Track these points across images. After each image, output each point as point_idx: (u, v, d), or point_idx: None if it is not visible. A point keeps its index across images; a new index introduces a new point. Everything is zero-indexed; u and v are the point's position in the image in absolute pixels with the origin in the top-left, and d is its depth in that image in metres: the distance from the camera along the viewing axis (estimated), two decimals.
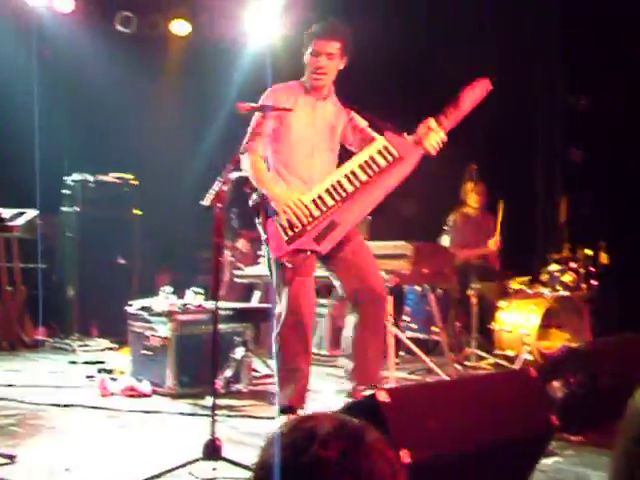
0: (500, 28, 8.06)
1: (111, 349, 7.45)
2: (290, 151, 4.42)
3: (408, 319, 7.65)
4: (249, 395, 5.54)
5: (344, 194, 4.27)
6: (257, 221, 4.40)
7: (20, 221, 5.52)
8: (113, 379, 5.54)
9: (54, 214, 8.03)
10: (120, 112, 8.56)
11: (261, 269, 6.42)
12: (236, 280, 6.83)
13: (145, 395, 5.36)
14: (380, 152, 4.34)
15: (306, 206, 4.20)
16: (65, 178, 8.10)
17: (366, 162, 4.33)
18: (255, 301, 6.45)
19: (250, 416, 4.88)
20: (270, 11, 8.92)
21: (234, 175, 7.09)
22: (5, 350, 7.31)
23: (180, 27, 9.29)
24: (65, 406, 4.92)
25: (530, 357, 6.37)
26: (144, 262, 8.46)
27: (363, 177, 4.29)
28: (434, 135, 4.28)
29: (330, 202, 4.24)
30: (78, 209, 7.98)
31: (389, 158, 4.33)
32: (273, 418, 4.44)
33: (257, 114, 4.32)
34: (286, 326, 4.27)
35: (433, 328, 7.24)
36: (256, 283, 6.84)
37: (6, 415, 4.63)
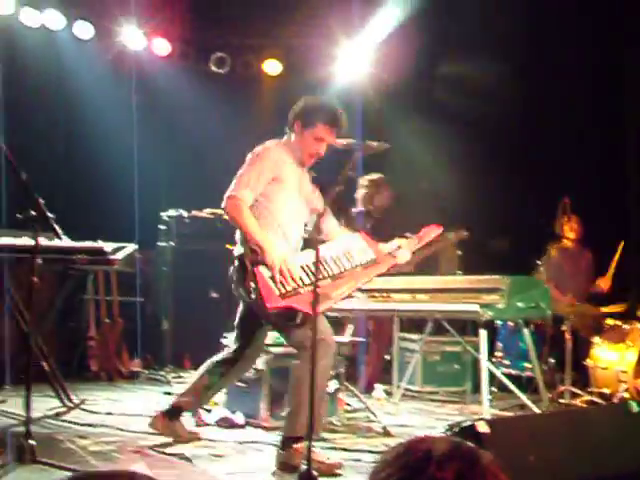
0: None
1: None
2: (278, 208, 4.46)
3: (500, 355, 7.54)
4: (341, 428, 5.54)
5: (331, 273, 4.38)
6: (238, 270, 4.39)
7: (120, 255, 5.68)
8: (207, 410, 5.62)
9: (151, 249, 8.27)
10: (214, 149, 8.78)
11: (353, 303, 6.45)
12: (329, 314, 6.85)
13: (239, 426, 5.43)
14: (359, 248, 4.57)
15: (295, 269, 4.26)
16: (162, 214, 8.34)
17: (344, 254, 4.49)
18: (347, 335, 6.47)
19: (343, 448, 4.89)
20: (361, 51, 9.07)
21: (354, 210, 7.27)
22: (103, 381, 7.53)
23: (272, 67, 9.54)
24: (163, 434, 5.02)
25: (627, 395, 6.19)
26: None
27: (347, 265, 4.46)
28: (404, 253, 4.63)
29: (320, 275, 4.22)
30: (173, 244, 8.19)
31: (367, 257, 4.55)
32: (369, 451, 4.46)
33: (257, 160, 4.41)
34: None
35: (526, 364, 7.12)
36: (348, 317, 6.85)
37: (107, 442, 4.77)
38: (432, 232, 4.91)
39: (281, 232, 4.46)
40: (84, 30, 8.57)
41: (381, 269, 4.56)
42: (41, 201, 3.83)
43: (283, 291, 4.14)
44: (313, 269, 4.16)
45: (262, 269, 4.17)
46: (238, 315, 4.74)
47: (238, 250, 4.42)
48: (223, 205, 4.38)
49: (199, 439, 4.93)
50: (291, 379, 4.41)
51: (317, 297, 3.71)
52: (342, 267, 4.42)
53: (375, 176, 7.49)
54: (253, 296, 4.15)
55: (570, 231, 7.52)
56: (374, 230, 7.30)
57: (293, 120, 4.54)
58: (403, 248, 4.64)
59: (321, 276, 4.23)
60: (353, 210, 7.44)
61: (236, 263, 4.42)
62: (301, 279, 4.22)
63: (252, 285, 4.14)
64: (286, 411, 4.44)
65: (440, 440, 1.36)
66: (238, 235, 4.47)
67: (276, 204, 4.45)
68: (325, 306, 4.21)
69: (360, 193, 7.50)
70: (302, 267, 4.27)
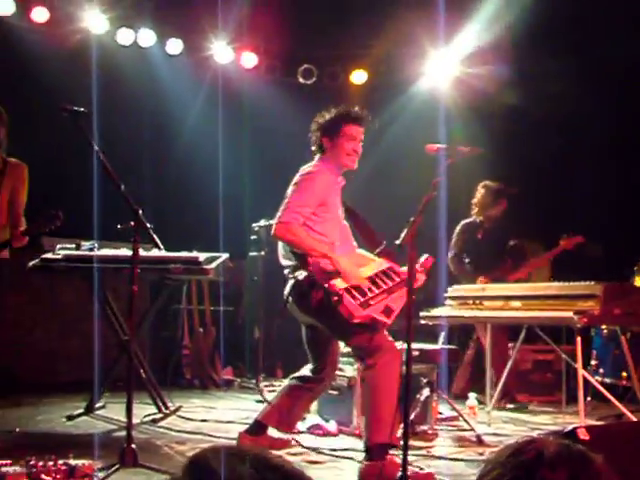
0: None
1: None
2: (327, 230, 4.46)
3: (595, 363, 7.38)
4: (434, 436, 5.51)
5: (386, 286, 4.39)
6: (302, 293, 4.40)
7: (214, 264, 5.80)
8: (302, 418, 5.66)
9: (243, 259, 8.40)
10: (300, 159, 8.87)
11: (447, 310, 6.41)
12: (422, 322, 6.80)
13: (331, 434, 5.45)
14: (386, 272, 4.51)
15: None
16: (253, 225, 8.47)
17: (384, 272, 4.51)
18: (440, 342, 6.43)
19: (436, 456, 4.86)
20: (446, 60, 9.07)
21: (464, 222, 7.26)
22: (197, 388, 7.69)
23: (359, 77, 9.60)
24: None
25: None
26: None
27: (396, 278, 4.47)
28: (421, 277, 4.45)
29: (383, 286, 4.35)
30: (263, 253, 8.30)
31: (397, 279, 4.49)
32: (463, 460, 4.42)
33: (309, 183, 4.44)
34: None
35: (622, 373, 6.94)
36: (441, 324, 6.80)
37: (201, 448, 4.85)
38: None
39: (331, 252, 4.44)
40: (174, 46, 8.79)
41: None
42: (140, 212, 3.94)
43: (362, 300, 4.17)
44: (378, 280, 4.30)
45: (335, 282, 4.18)
46: (304, 339, 4.76)
47: (302, 274, 4.39)
48: (273, 232, 4.40)
49: (291, 445, 4.95)
50: (365, 388, 4.34)
51: (411, 303, 3.68)
52: (395, 280, 4.44)
53: (495, 184, 7.44)
54: (336, 311, 4.14)
55: None
56: (484, 240, 7.29)
57: (320, 140, 4.62)
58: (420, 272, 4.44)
59: (384, 286, 4.34)
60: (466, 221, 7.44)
61: (297, 286, 4.44)
62: (370, 289, 4.26)
63: (335, 299, 4.13)
64: (364, 421, 4.33)
65: (551, 442, 1.36)
66: (289, 261, 4.50)
67: (324, 228, 4.45)
68: (393, 315, 4.25)
69: (476, 199, 7.46)
70: (369, 277, 4.35)
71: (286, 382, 4.89)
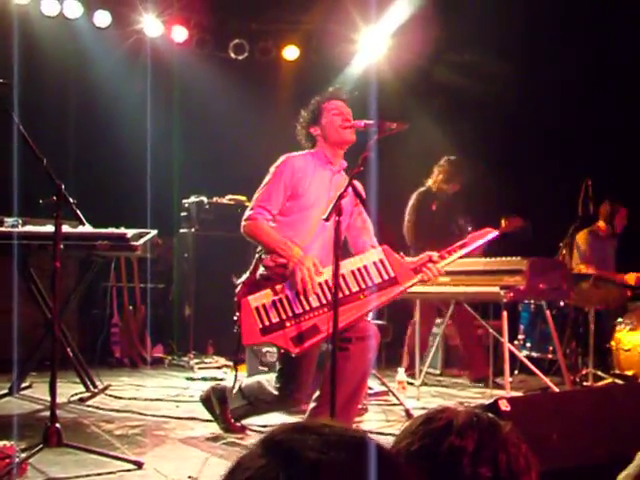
0: None
1: (227, 366, 7.60)
2: (296, 222, 4.28)
3: (522, 337, 7.53)
4: (364, 411, 5.55)
5: (332, 298, 3.86)
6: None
7: (141, 241, 5.72)
8: None
9: (171, 236, 8.31)
10: (231, 135, 8.80)
11: None
12: None
13: None
14: (375, 265, 4.12)
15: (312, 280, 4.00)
16: (183, 201, 8.38)
17: (359, 270, 4.09)
18: (370, 318, 6.46)
19: (364, 431, 4.90)
20: (379, 35, 9.07)
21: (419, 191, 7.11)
22: (127, 367, 7.60)
23: (290, 52, 9.53)
24: (186, 419, 5.07)
25: None
26: None
27: (354, 287, 4.05)
28: (433, 268, 4.15)
29: (315, 303, 3.99)
30: (194, 230, 8.23)
31: (384, 276, 4.11)
32: (392, 434, 4.44)
33: (274, 176, 4.28)
34: None
35: (549, 347, 7.10)
36: None
37: (131, 426, 4.82)
38: (485, 237, 4.43)
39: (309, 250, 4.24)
40: (102, 18, 8.58)
41: (401, 288, 4.13)
42: (63, 186, 3.84)
43: (267, 324, 3.94)
44: (325, 288, 4.00)
45: (251, 299, 3.99)
46: None
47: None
48: (242, 231, 4.26)
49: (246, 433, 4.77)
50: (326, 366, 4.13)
51: (338, 277, 3.64)
52: (346, 292, 4.02)
53: (456, 158, 7.41)
54: (235, 328, 4.01)
55: (618, 224, 7.46)
56: (437, 212, 7.28)
57: (307, 129, 4.45)
58: (433, 266, 4.16)
59: (317, 304, 3.98)
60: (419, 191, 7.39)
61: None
62: (293, 312, 3.98)
63: (235, 318, 4.00)
64: (316, 396, 4.25)
65: (460, 411, 1.37)
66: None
67: (296, 216, 4.30)
68: (312, 341, 3.95)
69: (436, 172, 7.40)
70: (320, 284, 4.04)
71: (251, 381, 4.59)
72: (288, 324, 3.95)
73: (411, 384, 6.41)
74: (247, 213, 4.28)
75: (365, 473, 0.95)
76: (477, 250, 6.64)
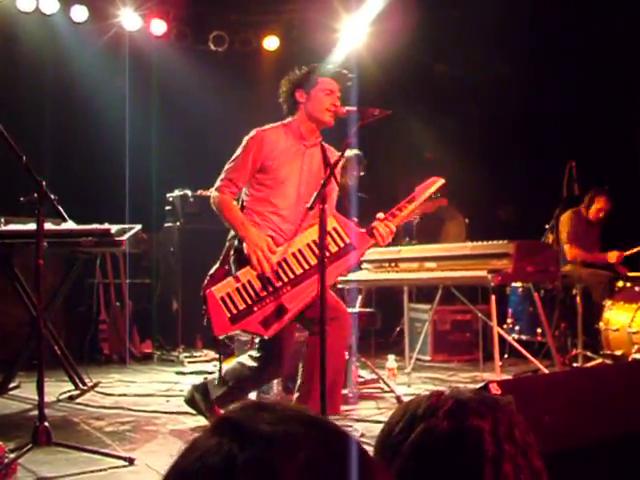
0: None
1: (217, 359, 7.56)
2: (270, 197, 4.29)
3: (511, 321, 7.54)
4: (354, 399, 5.54)
5: (292, 276, 4.05)
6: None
7: (126, 236, 5.67)
8: None
9: (151, 231, 8.26)
10: (213, 127, 8.74)
11: (364, 274, 6.43)
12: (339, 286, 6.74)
13: None
14: (330, 234, 4.08)
15: (269, 262, 4.04)
16: (168, 195, 8.32)
17: (315, 242, 4.03)
18: (358, 305, 6.45)
19: (356, 419, 4.90)
20: (358, 23, 9.03)
21: None
22: (115, 363, 7.56)
23: (271, 43, 9.49)
24: (177, 413, 5.05)
25: None
26: None
27: (312, 260, 4.06)
28: (383, 226, 4.11)
29: (278, 283, 4.03)
30: (179, 224, 8.18)
31: (340, 244, 4.12)
32: (381, 422, 4.42)
33: (243, 150, 4.27)
34: None
35: (537, 329, 7.11)
36: (359, 288, 6.81)
37: (122, 422, 4.79)
38: (431, 186, 4.30)
39: (277, 222, 4.28)
40: (79, 13, 8.50)
41: (358, 254, 4.17)
42: (44, 183, 3.80)
43: (235, 312, 3.98)
44: (293, 261, 4.05)
45: (215, 290, 4.03)
46: None
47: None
48: (210, 200, 4.33)
49: None
50: (304, 352, 4.27)
51: (323, 265, 3.61)
52: (306, 266, 4.07)
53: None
54: (205, 321, 4.04)
55: (595, 213, 7.47)
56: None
57: (293, 92, 4.37)
58: (381, 224, 4.12)
59: (280, 283, 4.02)
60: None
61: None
62: (258, 295, 4.02)
63: (203, 309, 4.03)
64: (298, 385, 4.28)
65: (466, 391, 1.37)
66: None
67: (268, 192, 4.29)
68: (281, 320, 3.98)
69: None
70: (279, 263, 4.07)
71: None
72: (255, 309, 4.00)
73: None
74: (217, 183, 4.33)
75: (323, 447, 0.90)
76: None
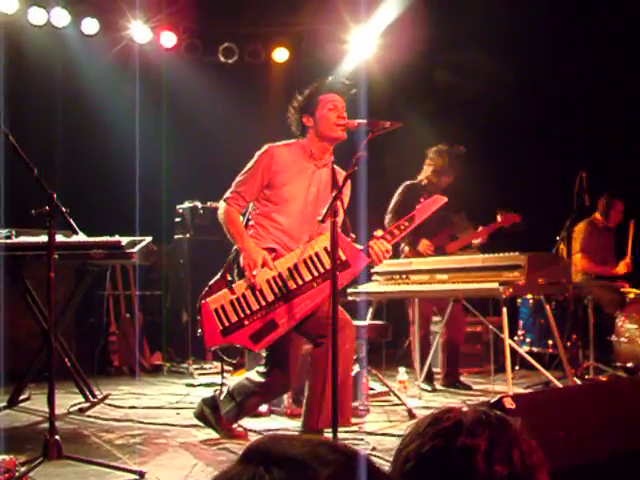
0: None
1: (227, 371, 7.55)
2: (273, 214, 4.32)
3: (522, 332, 7.50)
4: (366, 412, 5.52)
5: (286, 291, 4.09)
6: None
7: (136, 248, 5.67)
8: None
9: (161, 242, 8.26)
10: (223, 139, 8.76)
11: (374, 286, 6.40)
12: (350, 298, 6.68)
13: (262, 414, 5.41)
14: (326, 250, 4.11)
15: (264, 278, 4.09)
16: (178, 207, 8.33)
17: (311, 258, 4.14)
18: (369, 318, 6.43)
19: (367, 432, 4.87)
20: (368, 35, 9.04)
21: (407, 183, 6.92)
22: (125, 375, 7.56)
23: (280, 55, 9.51)
24: (187, 426, 5.02)
25: None
26: None
27: (307, 276, 4.11)
28: (379, 245, 4.14)
29: (271, 298, 4.06)
30: (189, 235, 8.18)
31: (319, 270, 4.15)
32: (395, 435, 4.42)
33: (253, 164, 4.31)
34: None
35: (549, 341, 7.07)
36: (370, 300, 6.76)
37: (132, 435, 4.77)
38: (432, 206, 4.36)
39: (281, 237, 4.31)
40: (90, 26, 8.54)
41: (353, 272, 4.17)
42: (55, 196, 3.80)
43: (227, 325, 4.03)
44: (266, 292, 4.07)
45: (210, 301, 4.07)
46: None
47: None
48: (218, 211, 4.38)
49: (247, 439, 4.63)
50: (308, 366, 4.24)
51: (335, 282, 3.59)
52: (300, 282, 4.11)
53: (443, 148, 6.99)
54: (199, 331, 4.08)
55: (612, 218, 7.45)
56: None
57: (300, 117, 4.39)
58: (377, 243, 4.15)
59: (272, 298, 4.07)
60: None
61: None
62: (250, 309, 4.06)
63: (197, 319, 4.09)
64: (305, 399, 4.23)
65: (468, 410, 1.34)
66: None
67: (274, 208, 4.32)
68: (271, 336, 4.02)
69: (426, 164, 7.00)
70: (268, 280, 4.10)
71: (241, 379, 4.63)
72: (246, 322, 4.05)
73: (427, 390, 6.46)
74: (226, 195, 4.36)
75: (343, 467, 0.98)
76: (482, 236, 6.48)
